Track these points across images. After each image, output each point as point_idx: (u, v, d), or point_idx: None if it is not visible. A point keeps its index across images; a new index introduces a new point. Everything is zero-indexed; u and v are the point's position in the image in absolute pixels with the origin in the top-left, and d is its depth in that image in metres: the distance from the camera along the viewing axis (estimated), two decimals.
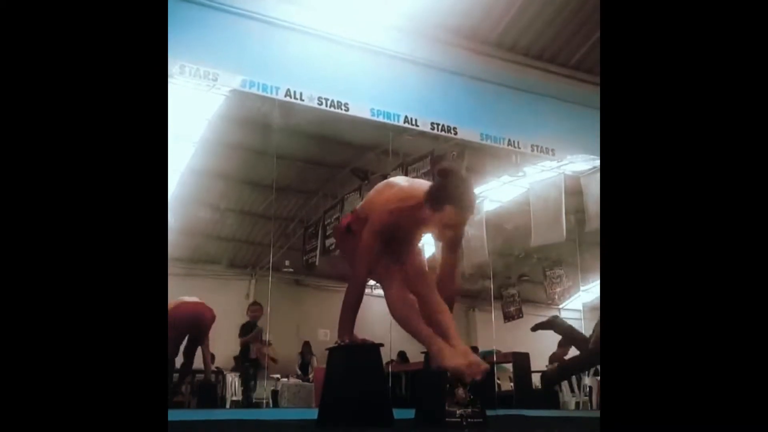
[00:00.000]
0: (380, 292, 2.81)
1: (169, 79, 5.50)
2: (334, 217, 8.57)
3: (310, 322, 10.26)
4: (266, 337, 7.81)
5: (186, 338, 6.25)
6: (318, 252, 8.85)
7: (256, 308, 7.72)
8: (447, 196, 2.48)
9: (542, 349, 9.44)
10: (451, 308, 2.87)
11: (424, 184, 2.67)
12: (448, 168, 2.60)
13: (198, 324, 6.17)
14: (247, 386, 7.53)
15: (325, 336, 9.51)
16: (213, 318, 6.34)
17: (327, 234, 8.73)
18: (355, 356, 2.79)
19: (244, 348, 7.50)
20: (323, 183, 8.77)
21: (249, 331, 7.49)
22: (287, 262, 9.66)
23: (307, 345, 9.69)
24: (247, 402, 7.43)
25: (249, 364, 7.49)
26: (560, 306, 12.41)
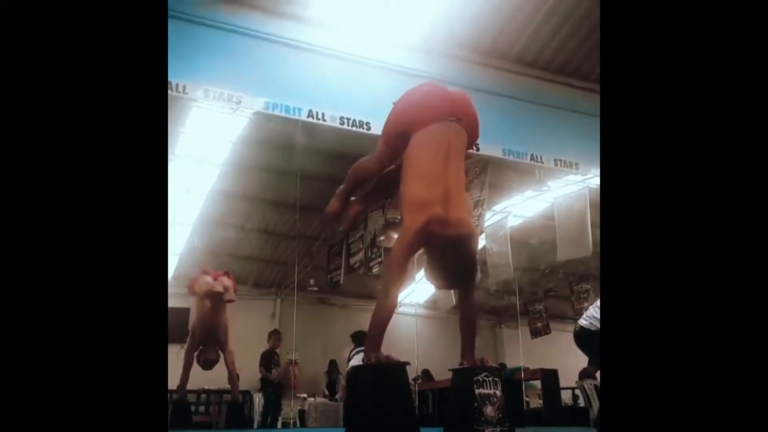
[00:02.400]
0: (405, 309, 2.83)
1: (194, 103, 5.61)
2: (358, 235, 8.59)
3: (335, 341, 10.25)
4: (293, 356, 7.84)
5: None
6: (342, 270, 8.87)
7: (277, 336, 7.83)
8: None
9: (571, 365, 9.31)
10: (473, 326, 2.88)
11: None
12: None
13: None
14: (269, 410, 7.63)
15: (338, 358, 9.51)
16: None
17: (351, 252, 8.75)
18: (381, 375, 2.77)
19: (266, 375, 7.67)
20: None
21: (270, 359, 7.63)
22: (312, 281, 9.69)
23: (333, 364, 9.69)
24: (272, 423, 7.49)
25: (272, 390, 7.60)
26: None
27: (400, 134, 2.98)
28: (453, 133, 2.90)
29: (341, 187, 3.35)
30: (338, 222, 3.46)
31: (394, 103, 3.15)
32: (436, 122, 2.87)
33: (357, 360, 5.58)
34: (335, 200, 3.36)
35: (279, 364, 7.74)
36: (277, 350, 7.80)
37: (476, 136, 3.20)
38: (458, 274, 2.80)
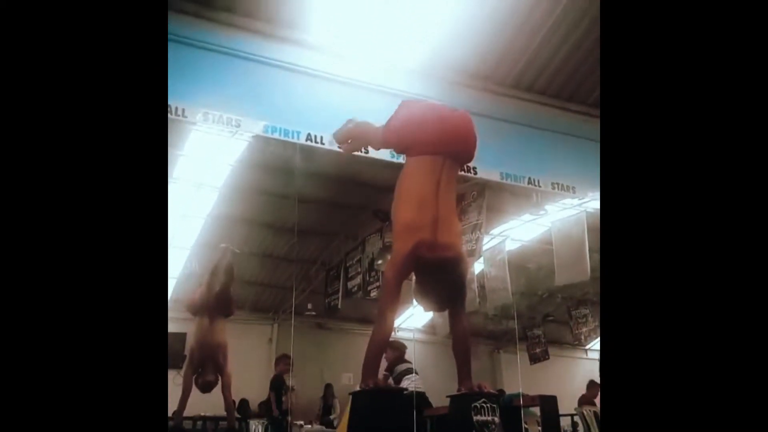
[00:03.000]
0: (403, 334, 2.85)
1: (192, 127, 5.63)
2: (356, 259, 8.57)
3: (333, 367, 10.18)
4: (290, 383, 7.77)
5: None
6: (340, 295, 8.83)
7: (285, 361, 7.77)
8: None
9: (570, 391, 9.24)
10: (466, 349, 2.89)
11: None
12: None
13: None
14: None
15: (349, 380, 9.43)
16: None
17: (349, 276, 8.72)
18: (379, 401, 2.75)
19: (276, 400, 7.59)
20: (344, 225, 8.79)
21: (279, 385, 7.56)
22: (310, 306, 9.64)
23: (329, 387, 9.61)
24: None
25: (281, 417, 7.52)
26: (586, 347, 12.18)
27: (397, 149, 3.21)
28: (444, 162, 2.96)
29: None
30: None
31: (401, 104, 3.25)
32: (429, 155, 2.94)
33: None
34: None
35: (288, 390, 7.68)
36: (285, 375, 7.74)
37: (471, 159, 3.28)
38: (446, 296, 2.86)
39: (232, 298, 6.53)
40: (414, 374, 6.07)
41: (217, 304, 6.27)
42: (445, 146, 3.00)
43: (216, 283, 6.30)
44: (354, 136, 3.56)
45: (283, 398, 7.57)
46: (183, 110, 4.57)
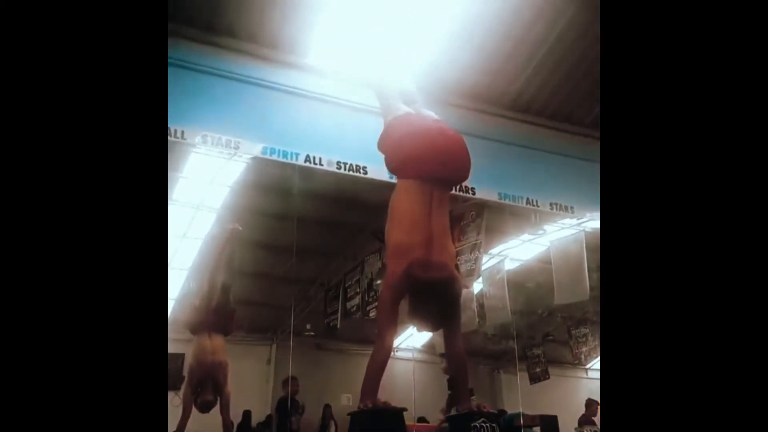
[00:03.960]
0: (403, 354, 2.85)
1: (192, 149, 5.66)
2: (355, 279, 8.56)
3: (332, 387, 10.11)
4: (288, 404, 7.73)
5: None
6: (339, 315, 8.80)
7: (295, 383, 7.74)
8: None
9: (571, 411, 9.20)
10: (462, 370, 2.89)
11: None
12: None
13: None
14: None
15: (348, 401, 9.37)
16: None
17: (348, 296, 8.69)
18: (378, 421, 2.73)
19: (280, 422, 7.53)
20: (343, 245, 8.79)
21: (284, 407, 7.54)
22: (308, 326, 9.60)
23: (327, 408, 9.55)
24: None
25: None
26: (587, 366, 12.13)
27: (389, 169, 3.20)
28: (435, 185, 2.98)
29: None
30: None
31: (392, 121, 3.30)
32: (420, 179, 2.96)
33: None
34: None
35: (299, 411, 7.61)
36: (296, 396, 7.69)
37: (464, 180, 3.31)
38: (440, 316, 2.88)
39: (233, 311, 6.46)
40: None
41: (217, 319, 6.23)
42: (436, 172, 3.02)
43: (218, 278, 6.25)
44: None
45: (293, 418, 7.51)
46: (182, 132, 4.60)
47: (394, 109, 3.44)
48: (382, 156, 3.30)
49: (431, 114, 3.52)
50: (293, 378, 8.01)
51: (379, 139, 3.34)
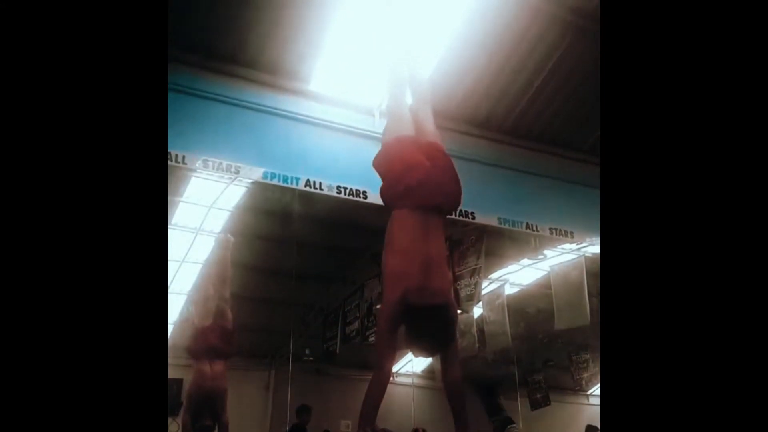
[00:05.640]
0: (403, 380, 2.84)
1: (192, 173, 5.67)
2: (354, 304, 8.52)
3: (331, 413, 10.01)
4: (287, 429, 7.65)
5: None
6: (339, 340, 8.75)
7: (307, 412, 7.66)
8: None
9: None
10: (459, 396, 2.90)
11: None
12: None
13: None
14: None
15: (347, 428, 9.28)
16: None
17: (347, 321, 8.65)
18: None
19: None
20: (343, 270, 8.77)
21: None
22: (307, 351, 9.54)
23: None
24: None
25: None
26: (588, 392, 12.03)
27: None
28: (428, 212, 3.00)
29: None
30: None
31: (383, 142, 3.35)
32: (417, 209, 2.97)
33: None
34: None
35: None
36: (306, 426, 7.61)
37: (459, 205, 3.32)
38: (436, 341, 2.89)
39: (233, 331, 6.42)
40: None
41: (216, 341, 6.19)
42: (431, 202, 3.04)
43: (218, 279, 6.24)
44: None
45: None
46: (183, 157, 4.62)
47: (400, 102, 3.51)
48: (380, 179, 3.32)
49: (429, 116, 3.54)
50: (306, 407, 7.95)
51: (376, 159, 3.36)
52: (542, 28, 5.28)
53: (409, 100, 3.58)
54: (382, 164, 3.30)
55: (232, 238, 6.43)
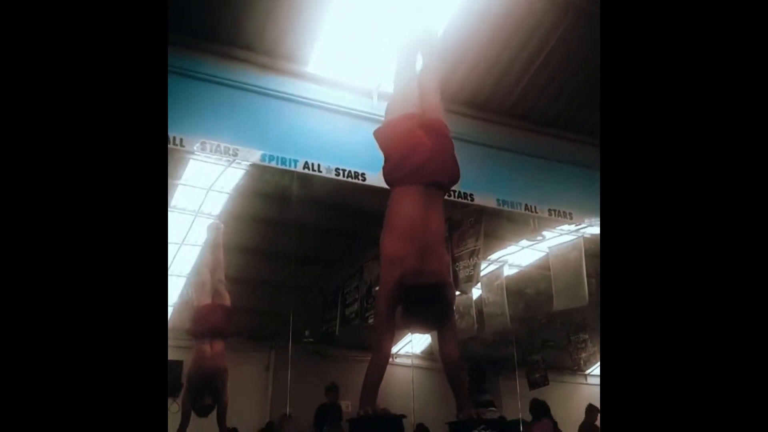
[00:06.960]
0: (402, 361, 2.87)
1: (191, 156, 5.66)
2: (354, 285, 8.55)
3: None
4: (287, 410, 7.71)
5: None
6: (338, 321, 8.80)
7: (335, 391, 7.94)
8: None
9: (571, 417, 9.18)
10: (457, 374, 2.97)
11: None
12: None
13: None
14: None
15: (347, 408, 9.34)
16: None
17: (347, 303, 8.69)
18: (377, 428, 2.74)
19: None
20: (342, 252, 8.79)
21: (325, 414, 7.60)
22: (307, 333, 9.58)
23: None
24: None
25: None
26: (586, 372, 12.12)
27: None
28: (427, 191, 3.02)
29: None
30: None
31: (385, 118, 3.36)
32: (414, 185, 2.97)
33: None
34: None
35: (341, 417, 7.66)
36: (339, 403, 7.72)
37: (456, 182, 3.33)
38: (432, 318, 2.92)
39: (231, 308, 6.46)
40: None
41: (215, 319, 6.23)
42: (434, 177, 3.05)
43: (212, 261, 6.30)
44: None
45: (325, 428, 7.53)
46: (181, 140, 4.61)
47: (409, 72, 3.48)
48: (379, 159, 3.31)
49: (434, 88, 3.52)
50: (335, 385, 8.20)
51: (379, 132, 3.35)
52: (542, 9, 5.24)
53: (418, 66, 3.55)
54: (387, 143, 3.29)
55: (222, 225, 6.49)
